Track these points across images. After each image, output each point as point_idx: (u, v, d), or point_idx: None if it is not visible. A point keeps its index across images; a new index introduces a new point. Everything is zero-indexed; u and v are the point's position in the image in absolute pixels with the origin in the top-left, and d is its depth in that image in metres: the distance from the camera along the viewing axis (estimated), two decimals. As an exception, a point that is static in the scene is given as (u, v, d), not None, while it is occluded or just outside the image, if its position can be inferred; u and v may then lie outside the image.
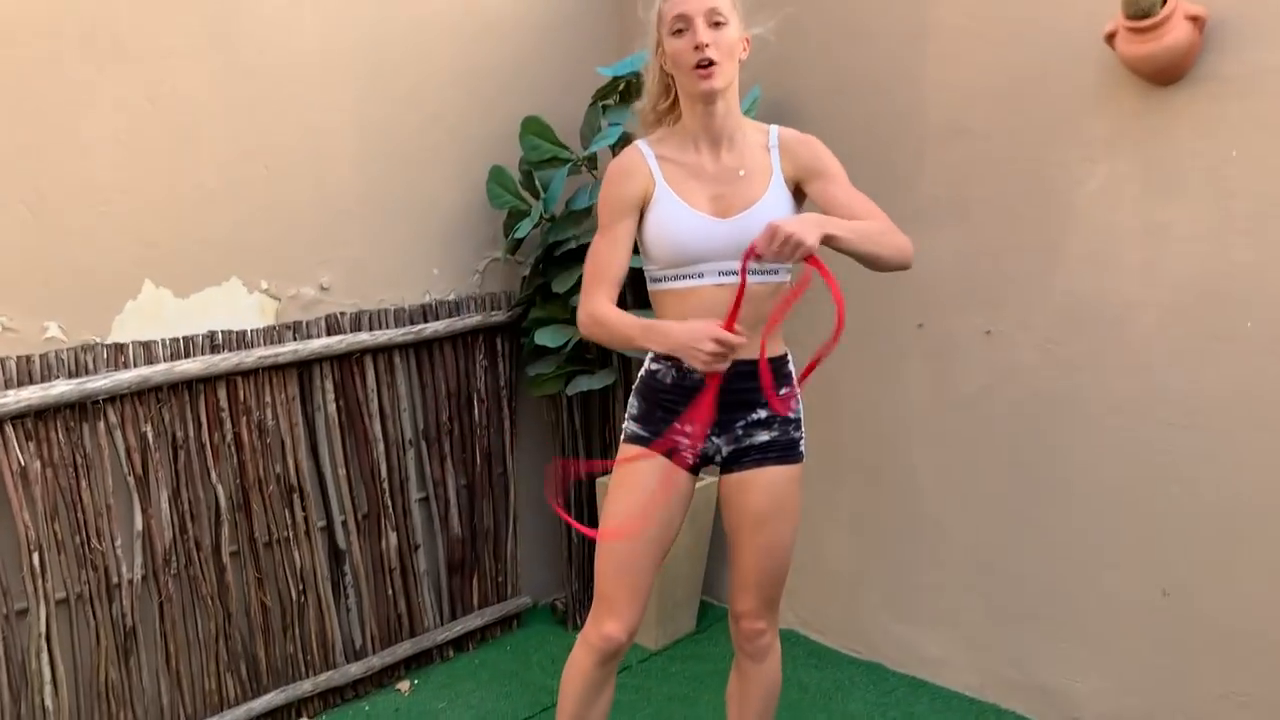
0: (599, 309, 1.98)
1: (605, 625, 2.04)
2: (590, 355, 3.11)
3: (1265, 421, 2.30)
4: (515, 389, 3.22)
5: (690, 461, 2.06)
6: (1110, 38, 2.34)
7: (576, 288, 2.91)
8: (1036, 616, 2.73)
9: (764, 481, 2.06)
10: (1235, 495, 2.36)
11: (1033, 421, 2.68)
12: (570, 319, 3.00)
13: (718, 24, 1.90)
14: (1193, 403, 2.40)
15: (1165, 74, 2.32)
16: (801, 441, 2.11)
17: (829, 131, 2.91)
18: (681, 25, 1.90)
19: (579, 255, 2.96)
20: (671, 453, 2.04)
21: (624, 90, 3.02)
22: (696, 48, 1.88)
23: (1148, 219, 2.42)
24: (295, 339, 2.68)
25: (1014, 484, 2.74)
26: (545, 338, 2.97)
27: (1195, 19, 2.23)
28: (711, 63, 1.89)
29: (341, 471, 2.83)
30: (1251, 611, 2.37)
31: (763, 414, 2.05)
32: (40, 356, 2.27)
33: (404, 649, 2.98)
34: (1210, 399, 2.38)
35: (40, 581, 2.29)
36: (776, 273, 2.01)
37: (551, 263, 2.99)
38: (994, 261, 2.69)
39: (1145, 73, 2.33)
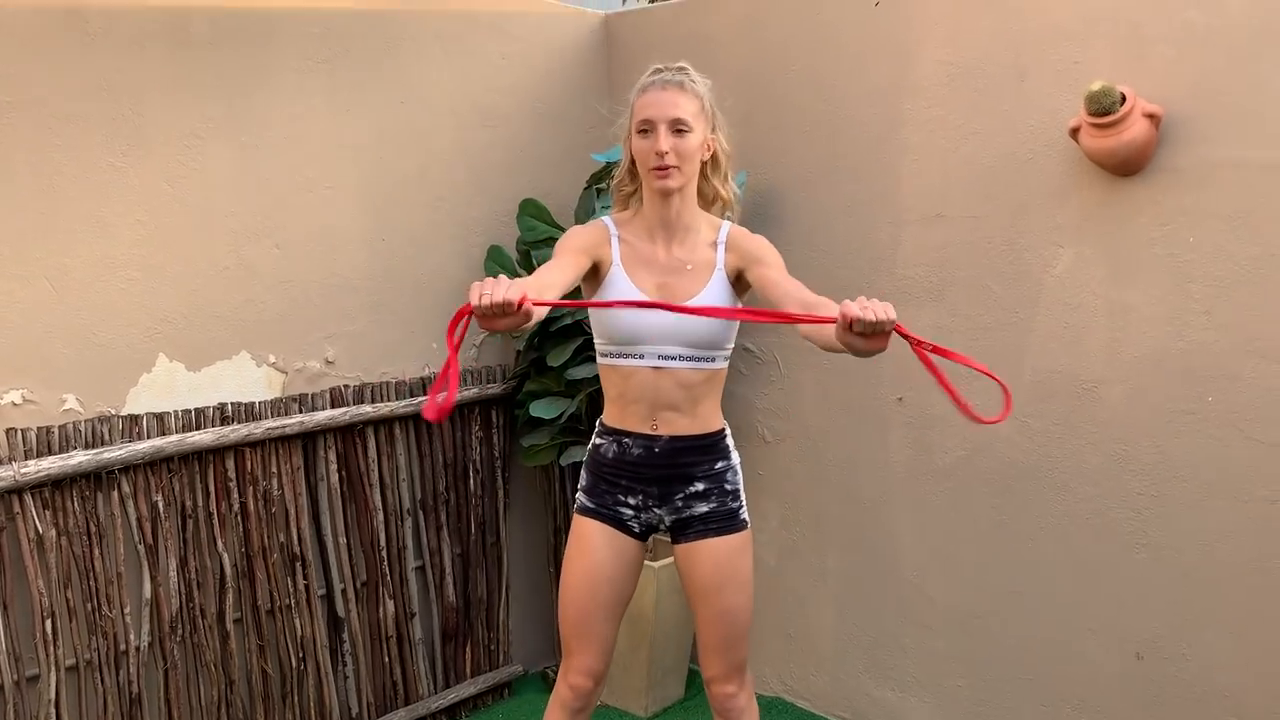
0: None
1: (571, 677, 2.22)
2: (583, 426, 3.22)
3: (1228, 490, 2.44)
4: (508, 459, 3.31)
5: (636, 530, 2.23)
6: (1075, 132, 2.51)
7: (572, 361, 3.04)
8: (1017, 679, 2.83)
9: (709, 553, 2.20)
10: (1201, 560, 2.49)
11: (1009, 491, 2.81)
12: (565, 391, 3.12)
13: (680, 131, 2.07)
14: (1159, 472, 2.54)
15: (1126, 166, 2.49)
16: (742, 510, 2.25)
17: (811, 215, 3.11)
18: (646, 127, 2.08)
19: (575, 330, 3.09)
20: (618, 521, 2.21)
21: (617, 175, 3.18)
22: (657, 153, 2.06)
23: (1112, 300, 2.58)
24: (301, 411, 2.77)
25: (993, 551, 2.85)
26: (541, 409, 3.07)
27: (1152, 116, 2.41)
28: (668, 167, 2.07)
29: (342, 540, 2.90)
30: (1219, 672, 2.48)
31: (700, 486, 2.21)
32: (59, 427, 2.35)
33: (399, 717, 3.02)
34: (1176, 469, 2.51)
35: (52, 648, 2.34)
36: (713, 360, 2.18)
37: (547, 337, 3.11)
38: (969, 338, 2.83)
39: (1108, 165, 2.51)
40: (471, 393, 3.16)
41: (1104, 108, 2.40)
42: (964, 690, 2.95)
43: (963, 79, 2.77)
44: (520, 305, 1.68)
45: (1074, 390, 2.67)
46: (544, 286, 1.94)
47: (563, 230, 3.15)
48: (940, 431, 2.92)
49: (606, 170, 3.19)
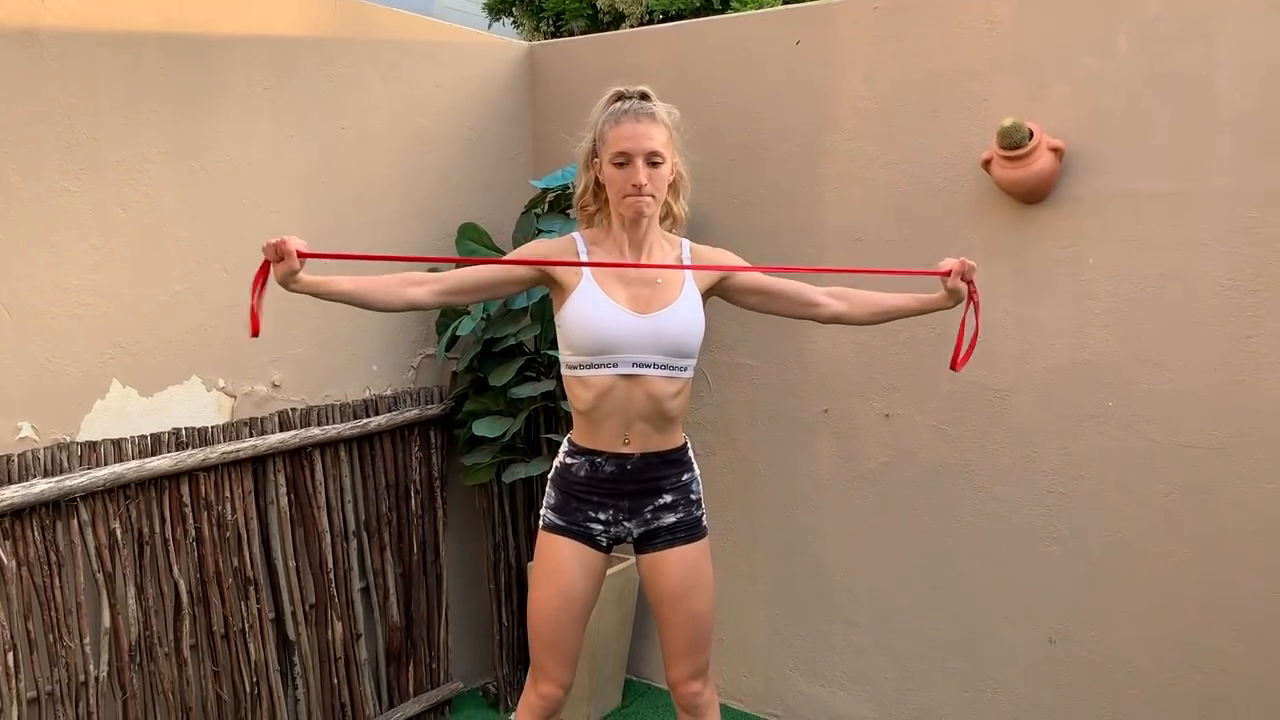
0: (390, 278, 2.21)
1: (542, 687, 2.31)
2: (522, 445, 3.31)
3: (1127, 485, 2.72)
4: (446, 479, 3.36)
5: (604, 543, 2.32)
6: (987, 164, 2.76)
7: (514, 381, 3.13)
8: (940, 669, 3.05)
9: (675, 560, 2.31)
10: (1106, 551, 2.76)
11: (929, 493, 3.03)
12: (507, 410, 3.20)
13: (655, 163, 2.18)
14: (1066, 472, 2.81)
15: (1033, 195, 2.76)
16: (704, 518, 2.37)
17: (737, 238, 3.27)
18: (623, 160, 2.17)
19: (516, 351, 3.18)
20: (588, 537, 2.30)
21: (553, 201, 3.29)
22: (635, 185, 2.16)
23: (1020, 316, 2.84)
24: (252, 435, 2.78)
25: (915, 549, 3.07)
26: (484, 428, 3.15)
27: (1056, 149, 2.68)
28: (645, 196, 2.18)
29: (292, 563, 2.91)
30: (1123, 651, 2.76)
31: (668, 498, 2.31)
32: (18, 456, 2.31)
33: (347, 738, 3.04)
34: (1081, 468, 2.78)
35: (14, 681, 2.29)
36: (684, 370, 2.28)
37: (489, 358, 3.19)
38: (890, 353, 3.05)
39: (1016, 194, 2.76)
40: (412, 413, 3.20)
41: (1015, 141, 2.66)
42: (890, 681, 3.15)
43: (880, 114, 3.00)
44: (283, 250, 1.97)
45: (988, 398, 2.91)
46: (462, 284, 2.23)
47: (502, 254, 3.25)
48: (864, 440, 3.13)
49: (543, 196, 3.31)
